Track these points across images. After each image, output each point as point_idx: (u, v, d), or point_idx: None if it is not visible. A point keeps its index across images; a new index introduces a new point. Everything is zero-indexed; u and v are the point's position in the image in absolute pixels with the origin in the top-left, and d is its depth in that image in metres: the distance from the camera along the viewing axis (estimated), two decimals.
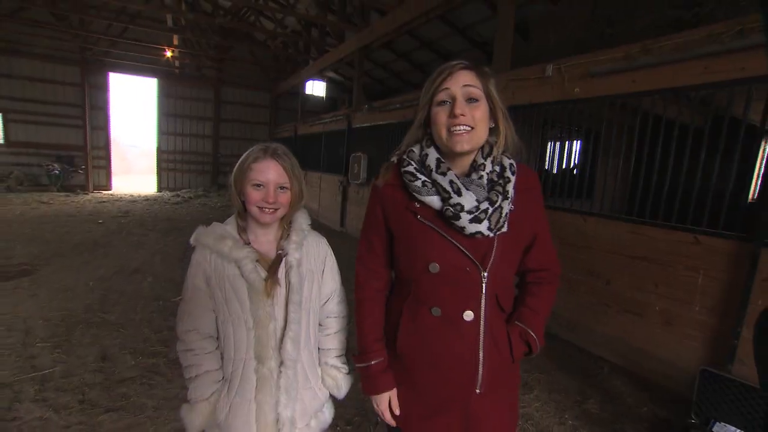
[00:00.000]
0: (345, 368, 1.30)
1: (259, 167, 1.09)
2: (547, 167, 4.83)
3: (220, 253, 1.09)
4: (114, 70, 12.88)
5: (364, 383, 1.10)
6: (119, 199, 11.29)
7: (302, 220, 1.22)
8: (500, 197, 0.97)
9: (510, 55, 4.51)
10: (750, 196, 2.65)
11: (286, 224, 1.19)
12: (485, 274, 0.98)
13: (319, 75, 11.32)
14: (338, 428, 2.23)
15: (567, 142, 4.25)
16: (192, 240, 1.13)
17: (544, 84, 3.83)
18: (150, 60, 12.79)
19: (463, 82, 0.95)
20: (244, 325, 1.10)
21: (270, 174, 1.09)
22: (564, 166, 4.12)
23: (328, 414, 1.29)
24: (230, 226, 1.15)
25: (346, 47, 8.86)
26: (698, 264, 2.70)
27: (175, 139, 14.37)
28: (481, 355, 1.01)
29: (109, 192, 12.93)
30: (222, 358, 1.16)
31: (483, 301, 1.00)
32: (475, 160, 1.01)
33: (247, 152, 1.12)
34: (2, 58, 11.31)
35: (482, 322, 1.00)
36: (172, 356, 2.83)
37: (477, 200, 0.96)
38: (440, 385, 1.04)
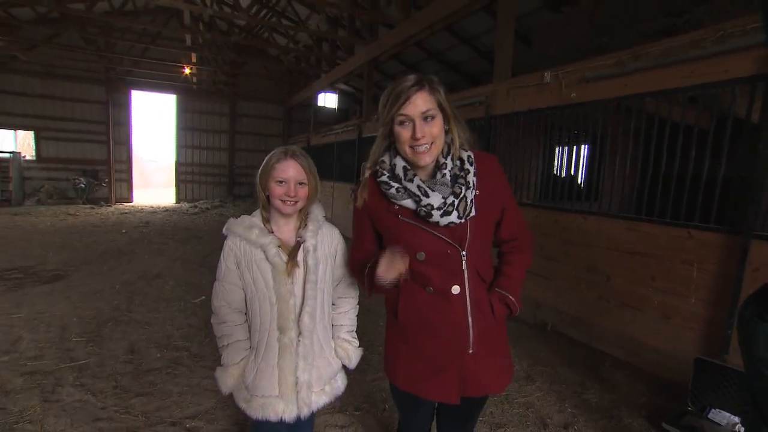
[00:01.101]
0: (356, 342, 1.52)
1: (282, 166, 1.29)
2: (556, 172, 4.96)
3: (248, 239, 1.29)
4: (135, 88, 13.51)
5: (370, 282, 1.22)
6: (140, 211, 11.77)
7: (318, 212, 1.42)
8: (463, 188, 1.16)
9: (511, 64, 4.69)
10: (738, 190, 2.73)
11: (303, 216, 1.39)
12: (464, 253, 1.18)
13: (330, 87, 11.67)
14: (347, 413, 2.39)
15: (574, 147, 4.37)
16: (224, 230, 1.34)
17: (542, 90, 4.00)
18: (169, 77, 13.38)
19: (420, 108, 1.10)
20: (268, 301, 1.29)
21: (290, 172, 1.29)
22: (572, 173, 4.22)
23: (341, 382, 1.49)
24: (256, 218, 1.35)
25: (355, 60, 9.17)
26: (692, 258, 2.81)
27: (193, 152, 14.91)
28: (470, 320, 1.22)
29: (131, 204, 13.46)
30: (249, 329, 1.36)
31: (466, 275, 1.20)
32: (437, 161, 1.18)
33: (270, 154, 1.33)
34: (37, 80, 12.06)
35: (467, 293, 1.21)
36: (194, 350, 3.06)
37: (443, 197, 1.15)
38: (439, 348, 1.26)
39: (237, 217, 1.36)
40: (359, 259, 1.34)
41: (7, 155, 11.52)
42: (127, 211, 11.59)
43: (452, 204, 1.14)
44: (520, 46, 4.82)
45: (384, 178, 1.21)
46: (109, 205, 12.60)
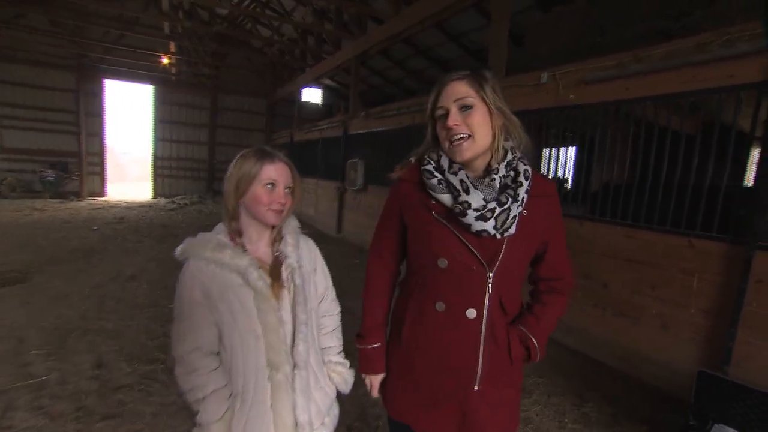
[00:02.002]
0: (347, 363, 1.36)
1: (272, 167, 1.10)
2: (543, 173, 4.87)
3: (219, 263, 1.07)
4: (109, 77, 12.84)
5: (361, 362, 1.22)
6: (114, 206, 11.22)
7: (293, 222, 1.24)
8: (510, 200, 1.00)
9: (505, 63, 4.57)
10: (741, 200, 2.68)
11: (278, 226, 1.19)
12: (491, 274, 1.02)
13: (315, 82, 11.38)
14: None
15: (562, 149, 4.29)
16: (180, 252, 1.09)
17: (539, 91, 3.89)
18: (146, 67, 12.78)
19: (454, 96, 0.99)
20: (253, 335, 1.08)
21: (281, 174, 1.11)
22: (559, 176, 4.15)
23: (337, 409, 1.33)
24: (222, 235, 1.13)
25: (342, 54, 8.93)
26: (693, 267, 2.74)
27: (171, 146, 14.31)
28: (481, 352, 1.05)
29: (104, 199, 12.84)
30: (229, 372, 1.12)
31: (487, 300, 1.03)
32: (489, 164, 1.05)
33: (242, 156, 1.13)
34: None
35: (484, 321, 1.04)
36: (169, 364, 2.81)
37: (485, 199, 1.00)
38: (440, 377, 1.09)
39: (194, 236, 1.13)
40: (375, 267, 1.25)
41: None
42: (99, 206, 11.02)
43: (492, 210, 0.98)
44: (509, 46, 4.70)
45: (429, 167, 1.07)
46: (80, 200, 11.97)
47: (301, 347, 1.12)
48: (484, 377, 1.06)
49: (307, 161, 10.35)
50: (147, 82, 13.54)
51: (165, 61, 12.01)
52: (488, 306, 1.03)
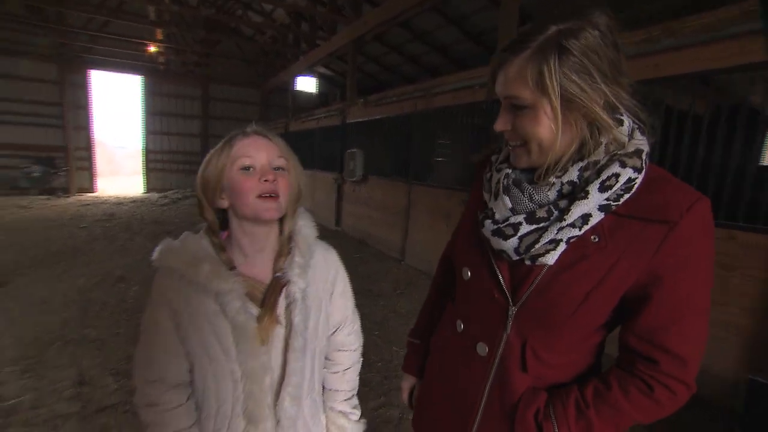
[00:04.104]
0: (355, 414, 1.06)
1: (245, 144, 0.83)
2: None
3: (193, 281, 0.81)
4: (95, 67, 12.34)
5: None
6: (104, 202, 10.84)
7: (307, 229, 0.94)
8: (551, 218, 0.68)
9: None
10: None
11: (286, 233, 0.90)
12: (513, 308, 0.73)
13: (309, 70, 11.00)
14: None
15: None
16: (155, 256, 0.83)
17: None
18: (133, 56, 12.30)
19: (500, 90, 0.69)
20: (230, 377, 0.82)
21: (261, 150, 0.84)
22: None
23: None
24: (206, 241, 0.86)
25: (338, 39, 8.54)
26: (734, 262, 2.49)
27: (162, 139, 13.88)
28: (483, 402, 0.78)
29: (94, 194, 12.44)
30: (200, 410, 0.87)
31: (503, 341, 0.75)
32: (554, 164, 0.69)
33: (217, 145, 0.86)
34: None
35: (495, 365, 0.76)
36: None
37: (512, 209, 0.71)
38: (442, 410, 0.87)
39: (176, 237, 0.87)
40: (442, 259, 1.05)
41: None
42: (89, 202, 10.63)
43: (514, 227, 0.69)
44: (519, 26, 4.40)
45: (494, 157, 0.82)
46: (68, 196, 11.56)
47: (287, 403, 0.85)
48: None
49: (303, 152, 9.99)
50: (135, 72, 13.06)
51: (152, 49, 11.54)
52: (503, 349, 0.75)
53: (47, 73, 11.54)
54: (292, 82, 12.60)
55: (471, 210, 0.85)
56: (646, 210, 0.64)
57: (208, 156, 0.86)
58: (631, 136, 0.67)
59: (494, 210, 0.73)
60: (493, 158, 0.81)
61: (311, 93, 15.42)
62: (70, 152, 11.96)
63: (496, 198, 0.74)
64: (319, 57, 9.70)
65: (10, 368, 2.59)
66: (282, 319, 0.85)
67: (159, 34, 11.18)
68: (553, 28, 0.61)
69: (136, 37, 11.08)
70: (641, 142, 0.66)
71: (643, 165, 0.65)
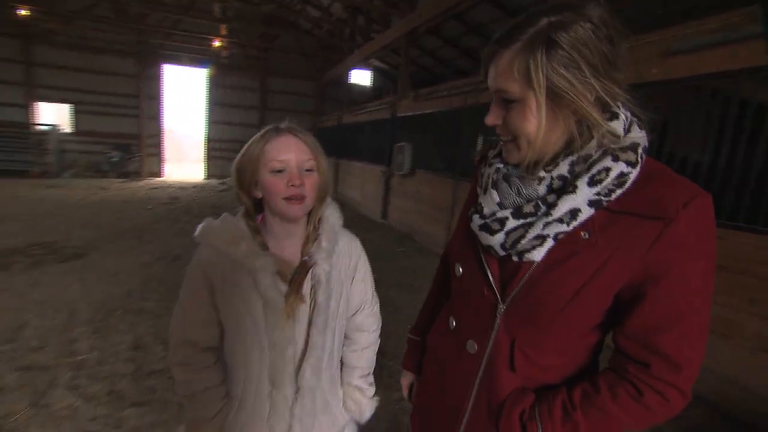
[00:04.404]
0: (371, 390, 1.13)
1: (275, 146, 0.88)
2: None
3: (231, 258, 0.89)
4: (167, 62, 13.41)
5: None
6: (169, 186, 11.81)
7: (334, 218, 1.01)
8: (539, 213, 0.66)
9: None
10: None
11: (314, 222, 0.98)
12: (502, 306, 0.71)
13: (364, 63, 11.12)
14: None
15: None
16: (197, 233, 0.93)
17: None
18: (200, 51, 13.20)
19: (490, 83, 0.67)
20: (258, 346, 0.91)
21: (291, 152, 0.88)
22: None
23: None
24: (243, 223, 0.94)
25: (392, 33, 8.55)
26: None
27: (223, 128, 14.80)
28: (471, 402, 0.76)
29: (161, 179, 13.58)
30: (230, 373, 0.97)
31: (492, 338, 0.73)
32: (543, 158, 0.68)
33: (252, 138, 0.92)
34: (73, 53, 12.11)
35: (483, 365, 0.75)
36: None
37: (500, 204, 0.70)
38: (433, 406, 0.87)
39: (216, 216, 0.95)
40: (443, 257, 1.03)
41: (46, 128, 11.74)
42: (156, 186, 11.64)
43: (500, 221, 0.69)
44: None
45: (492, 153, 0.80)
46: (140, 180, 12.73)
47: (308, 373, 0.93)
48: None
49: (354, 144, 10.21)
50: (201, 66, 13.99)
51: (217, 44, 12.28)
52: (492, 347, 0.73)
53: (128, 67, 12.76)
54: (347, 75, 12.82)
55: (468, 207, 0.84)
56: (640, 205, 0.61)
57: (243, 149, 0.93)
58: (628, 130, 0.64)
59: (483, 204, 0.73)
60: (490, 154, 0.80)
61: (365, 86, 15.60)
62: (143, 140, 13.18)
63: (485, 193, 0.74)
64: (372, 50, 9.78)
65: (83, 328, 2.94)
66: (307, 297, 0.93)
67: (223, 29, 11.86)
68: (544, 20, 0.59)
69: (204, 33, 11.86)
70: (638, 137, 0.63)
71: (639, 159, 0.62)
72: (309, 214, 0.97)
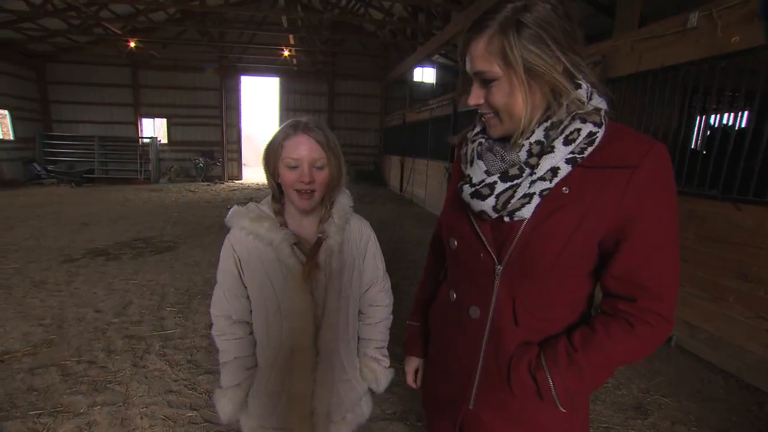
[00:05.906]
0: (386, 361, 1.22)
1: (290, 144, 0.99)
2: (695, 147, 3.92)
3: (256, 234, 1.03)
4: (244, 73, 14.65)
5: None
6: (247, 188, 12.92)
7: (345, 201, 1.12)
8: (523, 174, 0.73)
9: (638, 11, 3.73)
10: None
11: (327, 205, 1.09)
12: (499, 267, 0.77)
13: (426, 60, 11.14)
14: (408, 423, 2.13)
15: (726, 115, 3.33)
16: (227, 219, 1.08)
17: (684, 38, 3.07)
18: (272, 61, 14.17)
19: (472, 63, 0.73)
20: (279, 313, 1.04)
21: (303, 150, 0.99)
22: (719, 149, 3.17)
23: (366, 408, 1.22)
24: (267, 206, 1.09)
25: (451, 28, 8.47)
26: None
27: None
28: (480, 364, 0.82)
29: (240, 182, 14.88)
30: (256, 344, 1.12)
31: (494, 300, 0.79)
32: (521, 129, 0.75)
33: (277, 130, 1.05)
34: (168, 73, 13.85)
35: (488, 326, 0.80)
36: None
37: (487, 171, 0.76)
38: (442, 381, 0.93)
39: (243, 204, 1.11)
40: (432, 243, 1.09)
41: (148, 140, 13.56)
42: (236, 188, 12.81)
43: (490, 186, 0.74)
44: None
45: (471, 134, 0.87)
46: (222, 183, 14.09)
47: (327, 335, 1.04)
48: (479, 396, 0.84)
49: (418, 142, 10.31)
50: (274, 75, 15.05)
51: (286, 53, 13.10)
52: (494, 307, 0.79)
53: (211, 82, 14.23)
54: (410, 73, 12.91)
55: (453, 187, 0.88)
56: (609, 159, 0.70)
57: (267, 142, 1.06)
58: (590, 97, 0.72)
59: (471, 175, 0.79)
60: (468, 135, 0.86)
61: (430, 83, 15.59)
62: (224, 146, 14.54)
63: (471, 164, 0.79)
64: (434, 47, 9.77)
65: (171, 309, 3.43)
66: (323, 265, 1.04)
67: (291, 39, 12.63)
68: (508, 6, 0.67)
69: (274, 44, 12.76)
70: (600, 102, 0.73)
71: (603, 121, 0.71)
72: (323, 198, 1.08)
